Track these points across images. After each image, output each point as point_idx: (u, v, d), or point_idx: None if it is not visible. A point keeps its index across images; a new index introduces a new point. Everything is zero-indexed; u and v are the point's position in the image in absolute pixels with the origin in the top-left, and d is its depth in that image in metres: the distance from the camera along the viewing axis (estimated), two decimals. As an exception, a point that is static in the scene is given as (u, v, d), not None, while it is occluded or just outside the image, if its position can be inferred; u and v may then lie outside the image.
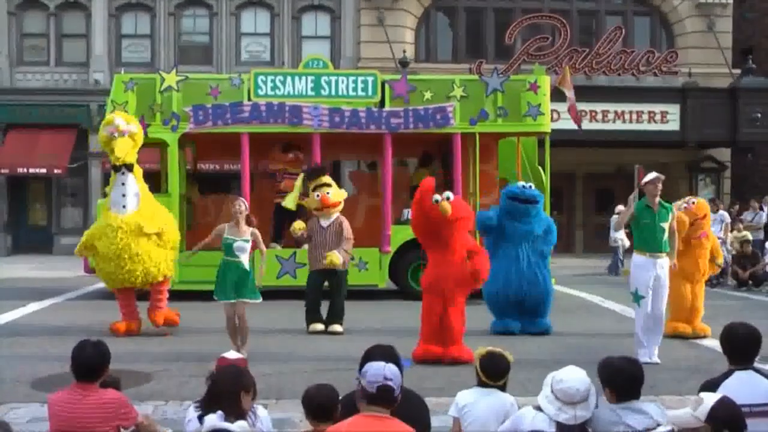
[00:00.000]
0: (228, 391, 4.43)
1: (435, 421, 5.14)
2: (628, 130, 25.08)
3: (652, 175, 9.47)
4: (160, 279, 11.32)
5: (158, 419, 6.17)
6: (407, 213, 15.23)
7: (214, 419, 4.23)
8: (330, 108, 14.78)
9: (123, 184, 10.98)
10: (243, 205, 9.75)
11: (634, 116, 25.11)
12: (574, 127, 18.39)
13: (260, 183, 16.31)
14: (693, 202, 11.48)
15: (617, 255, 20.90)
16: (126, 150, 10.86)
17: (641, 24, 28.53)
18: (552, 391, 4.37)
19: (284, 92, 14.97)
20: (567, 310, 13.71)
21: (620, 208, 21.17)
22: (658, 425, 4.37)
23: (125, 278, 11.02)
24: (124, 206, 10.93)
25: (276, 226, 15.39)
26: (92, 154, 26.08)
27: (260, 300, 9.71)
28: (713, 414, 3.87)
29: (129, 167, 11.02)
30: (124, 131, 10.85)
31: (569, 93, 17.24)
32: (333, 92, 15.02)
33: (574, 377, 4.39)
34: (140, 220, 10.93)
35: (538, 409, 4.44)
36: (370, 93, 15.06)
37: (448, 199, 8.99)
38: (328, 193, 11.50)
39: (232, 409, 4.35)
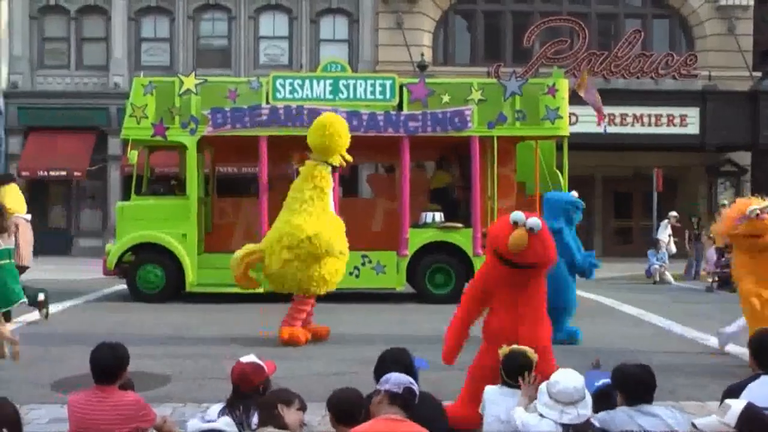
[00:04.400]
0: (267, 403, 4.45)
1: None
2: (647, 133, 24.96)
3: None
4: None
5: (176, 421, 6.19)
6: (425, 216, 15.24)
7: (196, 423, 4.23)
8: (348, 111, 14.76)
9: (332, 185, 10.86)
10: None
11: (653, 119, 24.99)
12: (593, 130, 18.23)
13: (278, 186, 16.31)
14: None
15: (657, 257, 20.53)
16: None
17: (660, 27, 28.41)
18: (550, 397, 4.43)
19: (302, 95, 14.99)
20: (584, 314, 13.63)
21: (673, 214, 21.16)
22: (671, 429, 4.42)
23: (337, 280, 10.92)
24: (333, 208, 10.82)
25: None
26: (111, 156, 26.24)
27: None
28: (742, 420, 3.86)
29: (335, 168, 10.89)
30: None
31: (590, 95, 17.09)
32: (351, 95, 15.03)
33: (569, 378, 4.50)
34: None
35: (542, 416, 4.49)
36: (388, 96, 15.06)
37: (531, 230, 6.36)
38: None
39: (272, 420, 4.35)
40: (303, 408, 4.56)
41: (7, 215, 9.87)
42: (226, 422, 4.34)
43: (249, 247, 10.89)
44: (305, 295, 10.64)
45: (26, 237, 12.52)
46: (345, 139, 10.55)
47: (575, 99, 16.88)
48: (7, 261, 9.56)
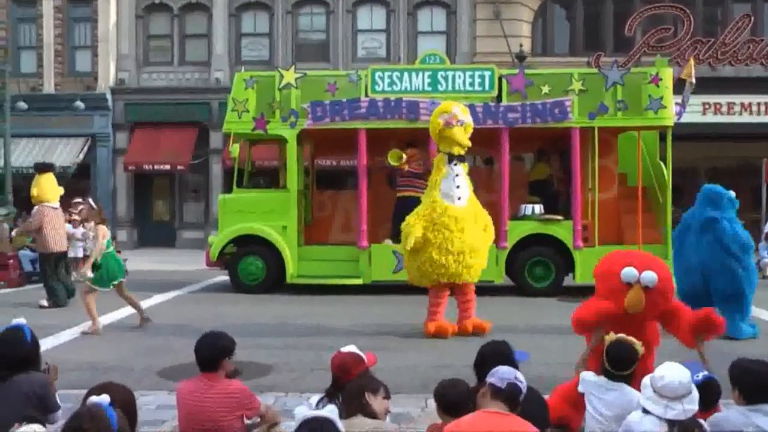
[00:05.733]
0: (354, 392, 4.47)
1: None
2: (756, 122, 24.17)
3: None
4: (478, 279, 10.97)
5: (279, 410, 6.27)
6: (524, 209, 15.07)
7: (303, 410, 4.27)
8: (447, 103, 14.69)
9: (457, 175, 10.58)
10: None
11: (763, 108, 24.14)
12: (698, 120, 17.56)
13: (377, 178, 16.38)
14: None
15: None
16: (466, 139, 10.56)
17: (771, 11, 27.31)
18: (654, 391, 4.30)
19: (401, 88, 15.01)
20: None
21: None
22: None
23: (461, 273, 10.48)
24: (459, 198, 10.50)
25: (394, 221, 15.37)
26: (213, 150, 26.83)
27: None
28: None
29: (462, 158, 10.72)
30: (461, 120, 10.47)
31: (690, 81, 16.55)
32: (450, 87, 14.95)
33: (674, 371, 4.36)
34: (475, 214, 10.67)
35: (645, 411, 4.36)
36: (487, 88, 14.94)
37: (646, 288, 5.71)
38: None
39: (360, 409, 4.38)
40: (388, 396, 4.59)
41: (100, 211, 11.50)
42: (331, 409, 4.38)
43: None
44: (434, 287, 10.63)
45: (54, 225, 13.63)
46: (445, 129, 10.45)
47: (679, 88, 16.37)
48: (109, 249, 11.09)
